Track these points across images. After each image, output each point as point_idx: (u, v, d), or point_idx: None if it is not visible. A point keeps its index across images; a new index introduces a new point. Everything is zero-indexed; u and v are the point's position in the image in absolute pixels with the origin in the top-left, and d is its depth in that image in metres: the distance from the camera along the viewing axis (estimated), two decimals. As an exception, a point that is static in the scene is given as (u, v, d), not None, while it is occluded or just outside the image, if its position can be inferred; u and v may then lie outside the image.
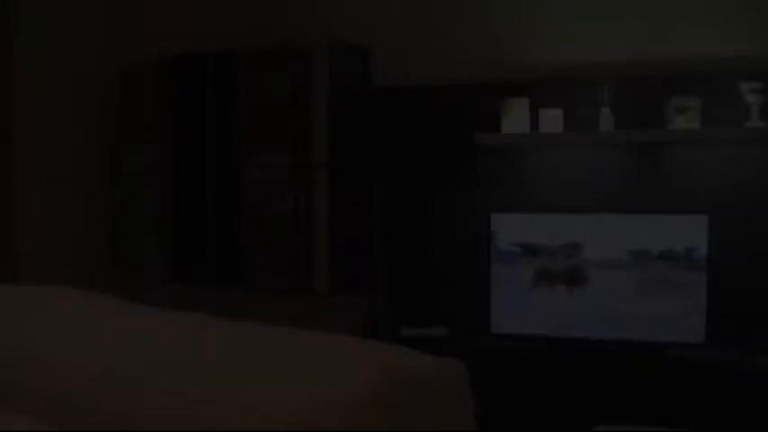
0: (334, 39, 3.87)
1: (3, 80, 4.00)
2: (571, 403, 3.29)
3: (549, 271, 3.49)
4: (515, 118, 3.65)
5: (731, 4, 3.48)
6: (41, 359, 1.12)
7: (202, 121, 4.15)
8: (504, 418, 3.25)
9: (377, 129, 4.08)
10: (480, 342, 3.59)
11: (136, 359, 1.03)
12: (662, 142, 3.52)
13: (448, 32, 4.00)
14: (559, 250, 3.47)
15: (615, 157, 3.65)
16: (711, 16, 3.51)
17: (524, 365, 3.46)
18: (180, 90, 4.29)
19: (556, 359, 3.44)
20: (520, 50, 3.84)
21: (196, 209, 4.20)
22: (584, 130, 3.60)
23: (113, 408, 1.02)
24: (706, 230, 3.26)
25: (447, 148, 3.92)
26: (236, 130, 4.09)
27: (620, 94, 3.52)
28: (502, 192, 3.82)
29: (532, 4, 3.82)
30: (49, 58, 4.21)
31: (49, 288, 1.31)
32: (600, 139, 3.56)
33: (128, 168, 4.43)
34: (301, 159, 3.93)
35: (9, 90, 4.00)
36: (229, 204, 4.12)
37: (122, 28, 4.67)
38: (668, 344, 3.34)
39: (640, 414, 3.13)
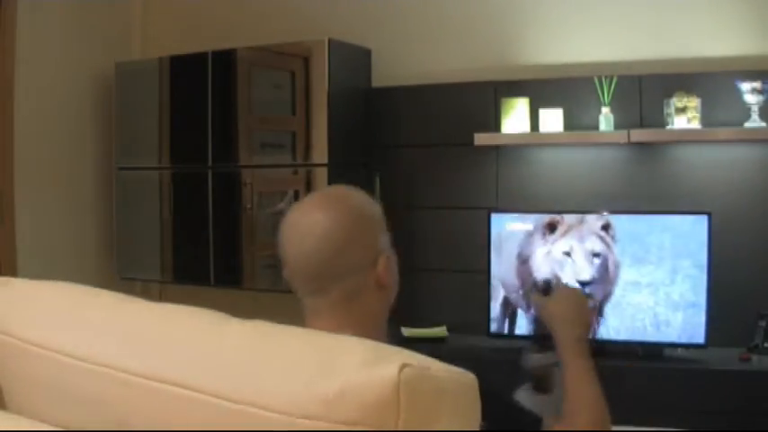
0: (334, 39, 3.88)
1: (2, 79, 3.99)
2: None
3: (548, 270, 3.49)
4: (515, 118, 3.66)
5: (731, 4, 3.48)
6: (55, 350, 1.13)
7: (202, 120, 4.15)
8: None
9: (377, 129, 4.08)
10: (480, 342, 3.60)
11: (153, 352, 1.03)
12: (662, 142, 3.53)
13: (447, 32, 4.01)
14: (559, 250, 3.47)
15: (615, 157, 3.66)
16: (711, 16, 3.52)
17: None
18: (179, 90, 4.29)
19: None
20: (520, 50, 3.85)
21: (196, 209, 4.20)
22: (584, 130, 3.61)
23: (130, 400, 1.03)
24: (706, 230, 3.26)
25: (447, 147, 3.92)
26: (236, 129, 4.09)
27: (620, 94, 3.53)
28: (502, 192, 3.82)
29: (533, 4, 3.82)
30: (47, 57, 4.20)
31: (62, 283, 1.31)
32: (600, 139, 3.57)
33: (127, 168, 4.43)
34: (301, 159, 3.94)
35: (10, 88, 3.99)
36: (229, 204, 4.12)
37: (121, 27, 4.66)
38: (668, 344, 3.34)
39: (641, 414, 3.13)
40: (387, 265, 1.47)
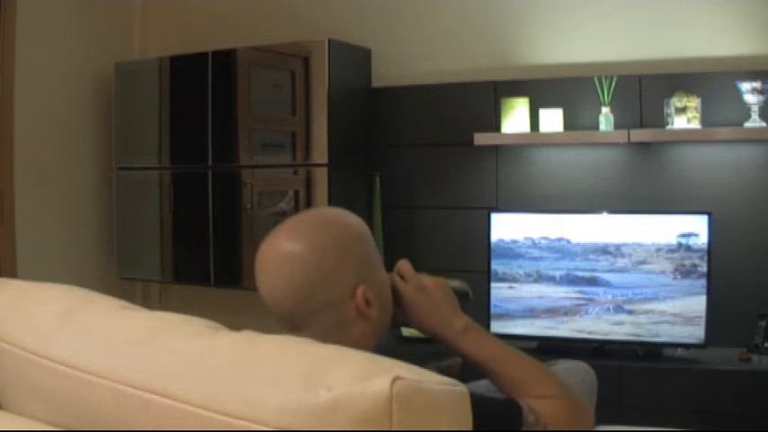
0: (334, 39, 3.87)
1: (2, 79, 3.99)
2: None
3: (548, 271, 3.49)
4: (515, 118, 3.65)
5: (731, 4, 3.48)
6: (46, 357, 1.13)
7: (202, 120, 4.15)
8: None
9: (377, 129, 4.08)
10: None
11: (143, 361, 1.03)
12: (662, 142, 3.53)
13: (447, 32, 4.00)
14: (559, 250, 3.47)
15: (615, 157, 3.65)
16: (711, 16, 3.51)
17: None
18: (179, 90, 4.29)
19: (555, 359, 3.44)
20: (520, 50, 3.85)
21: (196, 209, 4.20)
22: (584, 130, 3.61)
23: (117, 409, 1.03)
24: (706, 230, 3.26)
25: (447, 147, 3.92)
26: (236, 129, 4.09)
27: (620, 94, 3.52)
28: (502, 192, 3.82)
29: (533, 4, 3.81)
30: (47, 57, 4.20)
31: (58, 286, 1.31)
32: (600, 139, 3.57)
33: (127, 168, 4.43)
34: (301, 159, 3.94)
35: (10, 88, 3.99)
36: (229, 204, 4.12)
37: (121, 27, 4.66)
38: (668, 344, 3.34)
39: (641, 414, 3.13)
40: (367, 294, 1.32)
